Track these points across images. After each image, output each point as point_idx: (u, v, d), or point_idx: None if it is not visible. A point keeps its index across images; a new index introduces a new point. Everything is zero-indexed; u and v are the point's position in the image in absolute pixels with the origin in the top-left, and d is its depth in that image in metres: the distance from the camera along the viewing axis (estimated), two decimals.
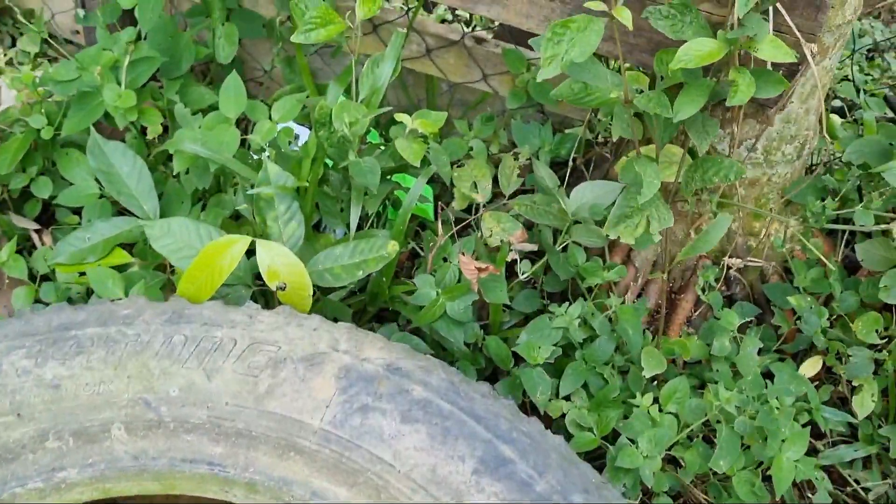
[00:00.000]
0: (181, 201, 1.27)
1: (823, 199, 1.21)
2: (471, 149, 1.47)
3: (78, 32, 1.92)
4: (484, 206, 1.16)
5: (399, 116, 1.23)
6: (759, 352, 1.16)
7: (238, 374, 0.85)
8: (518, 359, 1.16)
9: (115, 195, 1.18)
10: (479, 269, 1.12)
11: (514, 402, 0.90)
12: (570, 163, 1.35)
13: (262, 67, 1.74)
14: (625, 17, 0.83)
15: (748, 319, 1.24)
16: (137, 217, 1.19)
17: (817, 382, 1.20)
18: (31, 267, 1.26)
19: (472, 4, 1.18)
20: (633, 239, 0.97)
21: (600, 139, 1.37)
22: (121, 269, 1.15)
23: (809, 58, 0.91)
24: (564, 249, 1.26)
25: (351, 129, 1.14)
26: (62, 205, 1.30)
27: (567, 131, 1.38)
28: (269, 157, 1.10)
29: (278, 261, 0.96)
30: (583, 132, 1.34)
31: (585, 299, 1.19)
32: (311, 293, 0.98)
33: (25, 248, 1.36)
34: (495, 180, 1.25)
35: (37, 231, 1.33)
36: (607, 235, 1.27)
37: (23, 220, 1.34)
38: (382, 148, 1.25)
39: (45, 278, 1.27)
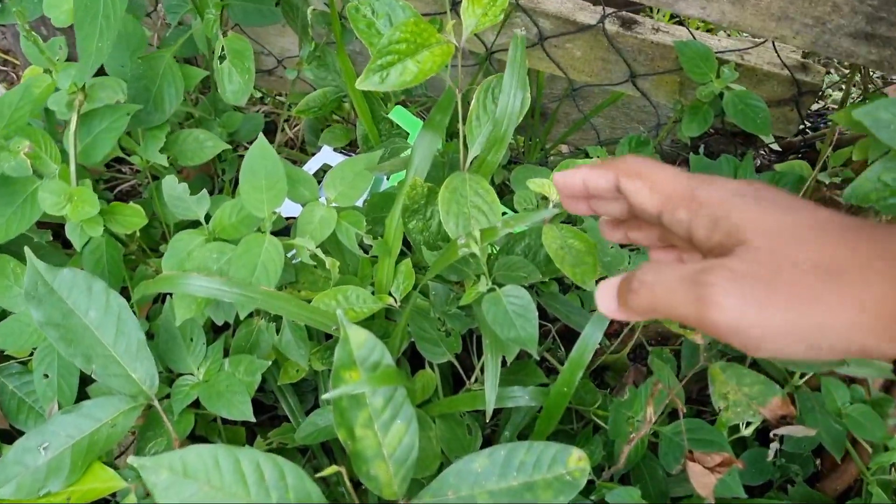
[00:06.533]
0: (189, 339, 0.81)
1: None
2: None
3: None
4: (704, 352, 0.71)
5: (536, 184, 0.76)
6: None
7: None
8: None
9: (80, 362, 0.72)
10: (717, 468, 0.68)
11: None
12: None
13: (269, 52, 1.23)
14: None
15: None
16: (120, 393, 0.74)
17: None
18: None
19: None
20: None
21: (830, 177, 0.90)
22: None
23: None
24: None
25: (483, 242, 0.67)
26: None
27: (778, 167, 0.91)
28: (343, 316, 0.63)
29: None
30: (814, 176, 0.86)
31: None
32: None
33: None
34: None
35: None
36: None
37: None
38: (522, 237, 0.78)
39: None
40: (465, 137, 0.77)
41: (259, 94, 1.35)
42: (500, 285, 0.77)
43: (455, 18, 0.99)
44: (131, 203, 0.83)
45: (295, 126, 1.32)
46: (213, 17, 0.84)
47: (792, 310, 0.36)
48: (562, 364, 0.97)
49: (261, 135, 0.73)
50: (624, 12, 0.93)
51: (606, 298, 0.45)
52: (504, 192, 1.24)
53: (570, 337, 0.95)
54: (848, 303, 0.35)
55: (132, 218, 0.76)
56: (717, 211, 0.41)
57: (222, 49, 0.84)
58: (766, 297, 0.37)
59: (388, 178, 1.08)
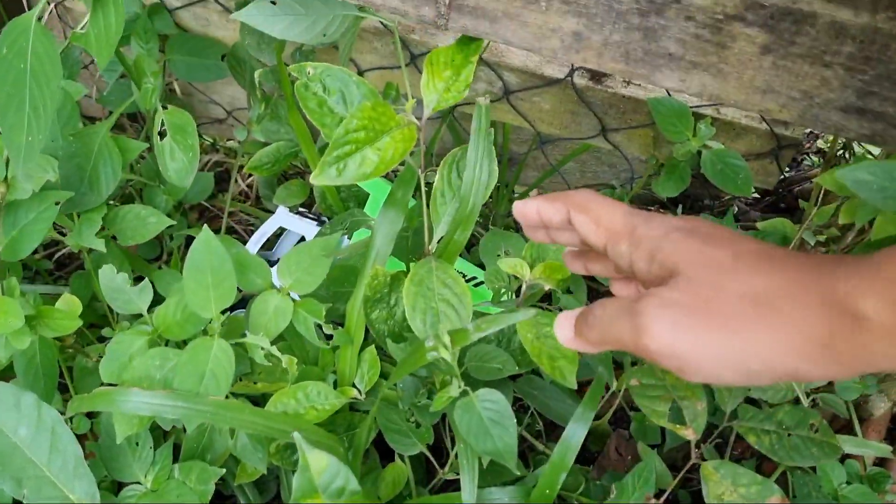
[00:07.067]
0: (135, 443, 0.75)
1: None
2: None
3: None
4: (700, 445, 0.66)
5: (507, 264, 0.72)
6: None
7: None
8: None
9: (9, 487, 0.65)
10: None
11: None
12: None
13: (217, 103, 1.17)
14: None
15: None
16: None
17: None
18: None
19: (649, 71, 0.63)
20: None
21: (815, 235, 0.86)
22: None
23: None
24: None
25: (454, 347, 0.61)
26: None
27: (760, 225, 0.86)
28: (301, 439, 0.57)
29: None
30: (798, 234, 0.83)
31: None
32: None
33: None
34: None
35: None
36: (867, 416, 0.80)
37: None
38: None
39: None
40: (429, 216, 0.71)
41: (210, 142, 1.28)
42: (473, 380, 0.72)
43: (413, 73, 0.94)
44: (65, 294, 0.76)
45: (250, 176, 1.26)
46: (150, 88, 0.77)
47: (725, 335, 0.38)
48: (538, 439, 0.92)
49: (205, 227, 0.67)
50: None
51: (564, 329, 0.48)
52: (473, 242, 1.19)
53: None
54: (783, 329, 0.37)
55: (63, 321, 0.69)
56: (654, 245, 0.44)
57: (162, 123, 0.77)
58: (697, 324, 0.39)
59: (349, 238, 1.02)
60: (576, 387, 0.64)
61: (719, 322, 0.38)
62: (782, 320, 0.37)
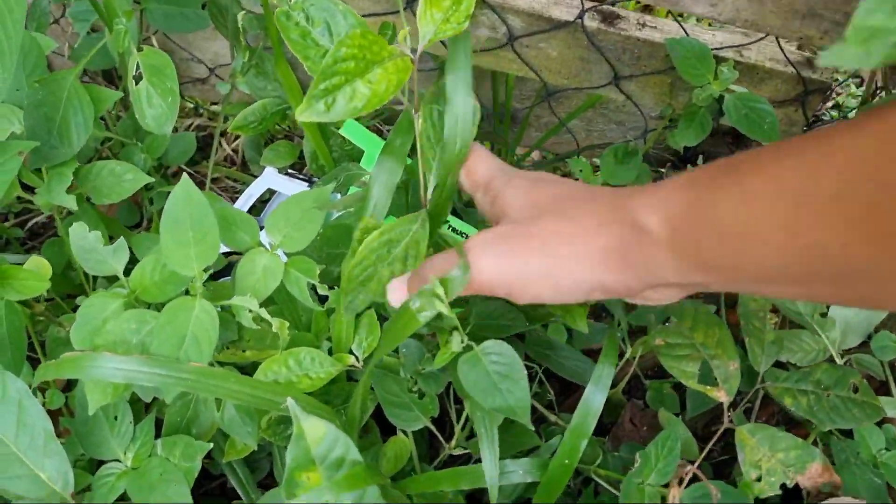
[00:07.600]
0: (113, 416, 0.69)
1: None
2: None
3: None
4: (729, 410, 0.61)
5: None
6: None
7: None
8: None
9: None
10: None
11: None
12: None
13: (200, 60, 1.10)
14: None
15: None
16: (25, 498, 0.61)
17: None
18: None
19: None
20: None
21: None
22: None
23: None
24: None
25: (448, 295, 0.55)
26: None
27: None
28: (295, 406, 0.51)
29: None
30: None
31: None
32: None
33: None
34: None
35: None
36: None
37: None
38: None
39: None
40: (422, 165, 0.65)
41: (192, 104, 1.22)
42: (480, 339, 0.66)
43: (410, 19, 0.87)
44: (34, 256, 0.70)
45: (235, 140, 1.19)
46: (122, 29, 0.71)
47: (540, 257, 0.43)
48: (549, 409, 0.86)
49: (185, 176, 0.61)
50: (605, 6, 0.82)
51: (397, 292, 0.51)
52: (469, 203, 1.13)
53: (560, 377, 0.84)
54: (585, 244, 0.43)
55: (29, 282, 0.63)
56: (496, 192, 0.50)
57: (137, 67, 0.71)
58: (517, 250, 0.44)
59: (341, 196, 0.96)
60: (587, 330, 0.58)
61: (535, 246, 0.43)
62: (583, 236, 0.43)
